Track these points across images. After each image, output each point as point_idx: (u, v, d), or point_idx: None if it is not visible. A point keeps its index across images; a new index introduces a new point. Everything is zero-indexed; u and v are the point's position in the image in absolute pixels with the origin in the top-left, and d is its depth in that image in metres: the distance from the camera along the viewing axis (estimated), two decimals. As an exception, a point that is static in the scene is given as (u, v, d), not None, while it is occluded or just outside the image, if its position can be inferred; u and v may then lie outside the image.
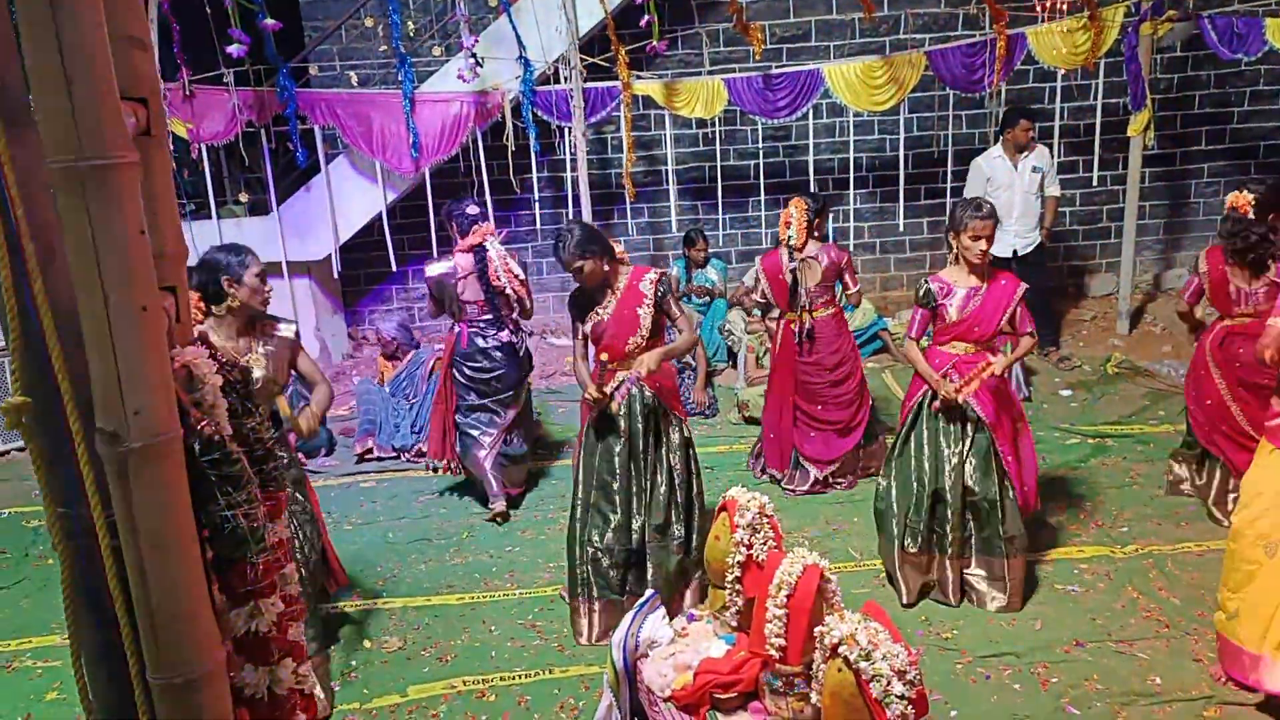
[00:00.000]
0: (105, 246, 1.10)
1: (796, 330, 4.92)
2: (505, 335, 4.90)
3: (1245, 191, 4.13)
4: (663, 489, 3.77)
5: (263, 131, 6.63)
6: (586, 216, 6.96)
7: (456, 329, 4.92)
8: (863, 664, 1.58)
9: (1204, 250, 4.42)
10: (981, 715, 3.22)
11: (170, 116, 6.20)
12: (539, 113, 6.65)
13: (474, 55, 6.09)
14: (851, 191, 7.50)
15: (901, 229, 7.63)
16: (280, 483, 1.56)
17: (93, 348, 1.12)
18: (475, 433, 4.95)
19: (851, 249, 7.71)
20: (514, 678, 3.57)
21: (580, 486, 3.81)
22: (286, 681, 1.38)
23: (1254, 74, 7.52)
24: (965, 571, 3.89)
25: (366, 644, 3.84)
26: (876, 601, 3.84)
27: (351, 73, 7.08)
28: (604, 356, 3.71)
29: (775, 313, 5.23)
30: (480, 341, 4.86)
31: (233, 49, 5.79)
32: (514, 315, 4.95)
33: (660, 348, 3.72)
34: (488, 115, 6.65)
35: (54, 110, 1.06)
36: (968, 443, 3.79)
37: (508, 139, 6.63)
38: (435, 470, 5.15)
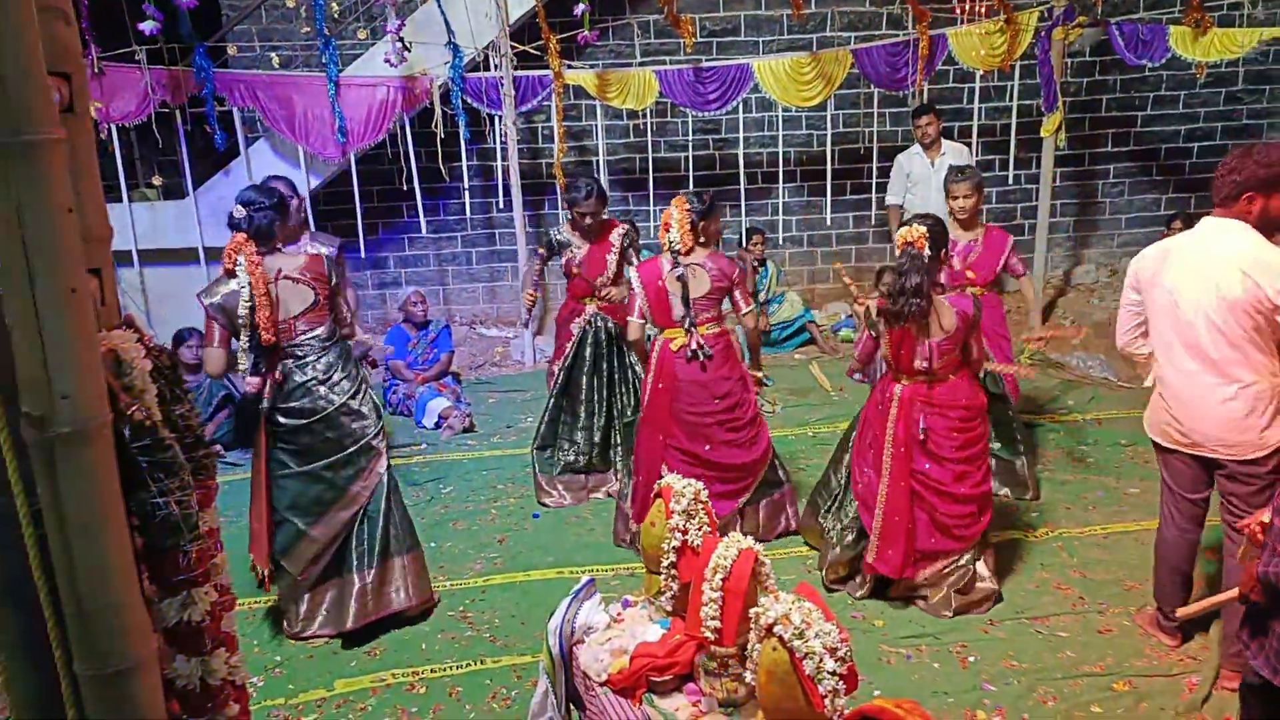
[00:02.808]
0: (32, 227, 1.06)
1: (683, 349, 3.99)
2: (321, 368, 3.57)
3: (916, 225, 3.57)
4: (632, 392, 4.87)
5: (178, 112, 6.40)
6: (517, 205, 6.93)
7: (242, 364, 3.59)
8: (796, 642, 1.62)
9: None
10: (902, 692, 3.32)
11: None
12: (469, 100, 6.58)
13: (401, 39, 6.00)
14: (780, 185, 7.61)
15: (829, 223, 7.79)
16: (211, 470, 1.53)
17: (18, 330, 1.08)
18: (299, 521, 3.61)
19: (780, 242, 7.89)
20: (445, 669, 3.54)
21: (554, 395, 4.93)
22: (219, 672, 1.36)
23: (1157, 79, 7.89)
24: None
25: (292, 641, 3.76)
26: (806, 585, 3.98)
27: (273, 54, 6.89)
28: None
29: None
30: (297, 375, 3.55)
31: (145, 26, 5.58)
32: (345, 335, 3.73)
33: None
34: (415, 101, 6.55)
35: (-22, 83, 1.02)
36: None
37: (436, 126, 6.54)
38: (261, 584, 3.79)
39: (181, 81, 6.28)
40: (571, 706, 2.31)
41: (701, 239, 3.97)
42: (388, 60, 6.04)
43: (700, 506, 2.20)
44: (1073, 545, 4.32)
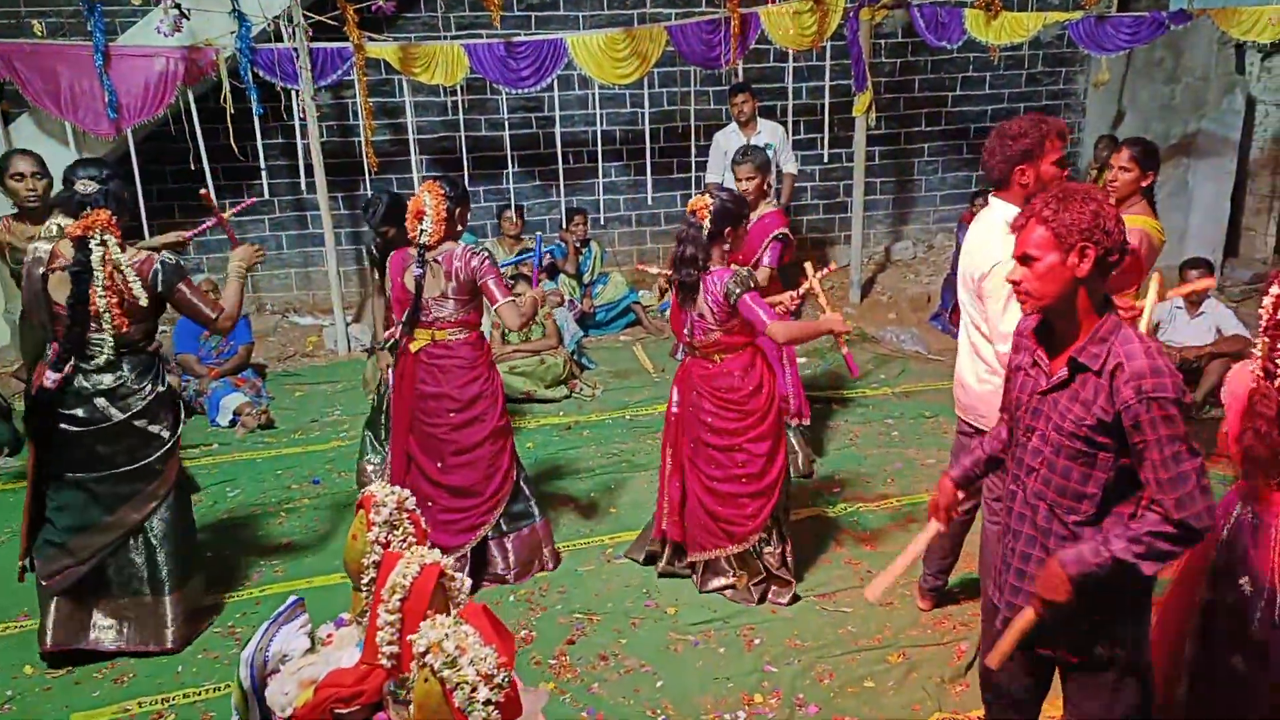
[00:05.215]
0: None
1: (422, 352, 3.67)
2: (110, 379, 3.21)
3: (707, 195, 3.53)
4: None
5: (-79, 85, 5.70)
6: (320, 187, 6.54)
7: (48, 352, 3.24)
8: (447, 672, 1.48)
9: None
10: (686, 681, 3.27)
11: None
12: (261, 73, 6.13)
13: (177, 6, 5.50)
14: (600, 164, 7.45)
15: (651, 202, 7.71)
16: None
17: None
18: (57, 526, 3.28)
19: (603, 221, 7.77)
20: (200, 693, 3.25)
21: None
22: None
23: (964, 61, 8.17)
24: None
25: (28, 670, 3.38)
26: (600, 577, 3.88)
27: (35, 20, 6.18)
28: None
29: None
30: (80, 380, 3.19)
31: None
32: (149, 347, 3.32)
33: None
34: (199, 74, 6.04)
35: None
36: None
37: (225, 101, 6.06)
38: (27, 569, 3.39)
39: (-78, 50, 5.58)
40: (274, 743, 2.12)
41: (459, 228, 3.63)
42: (159, 29, 5.52)
43: (405, 516, 2.03)
44: (868, 519, 4.38)
